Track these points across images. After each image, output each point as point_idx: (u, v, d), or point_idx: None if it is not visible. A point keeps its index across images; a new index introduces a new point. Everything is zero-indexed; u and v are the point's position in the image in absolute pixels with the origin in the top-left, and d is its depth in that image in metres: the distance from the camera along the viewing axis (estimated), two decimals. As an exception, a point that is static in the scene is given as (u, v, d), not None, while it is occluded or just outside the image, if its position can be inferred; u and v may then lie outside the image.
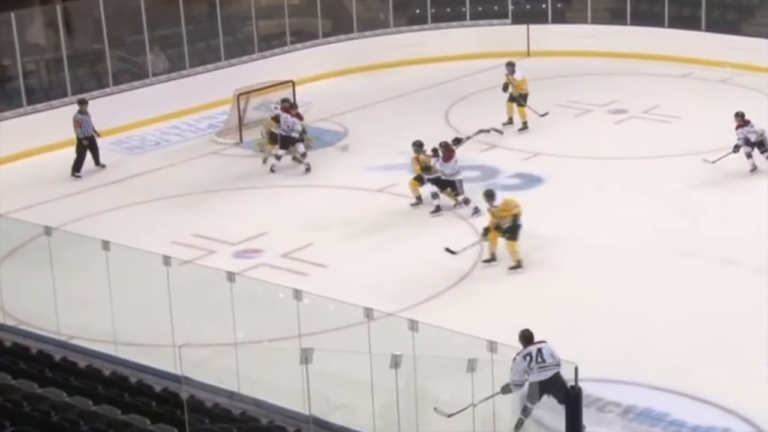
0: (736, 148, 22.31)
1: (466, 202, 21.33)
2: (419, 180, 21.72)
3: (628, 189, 22.22)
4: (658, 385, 15.09)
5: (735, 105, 23.48)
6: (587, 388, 12.02)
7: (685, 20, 31.36)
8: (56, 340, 15.66)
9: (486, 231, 19.33)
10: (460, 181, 21.58)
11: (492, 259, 19.27)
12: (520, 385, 13.65)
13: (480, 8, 32.96)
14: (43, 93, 26.44)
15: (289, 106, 24.24)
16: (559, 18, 33.13)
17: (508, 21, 32.89)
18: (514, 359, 13.61)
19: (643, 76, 30.04)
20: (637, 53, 31.13)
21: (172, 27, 28.65)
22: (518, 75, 26.03)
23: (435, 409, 13.30)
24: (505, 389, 13.43)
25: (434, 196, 21.57)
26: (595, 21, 32.55)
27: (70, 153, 24.82)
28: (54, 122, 25.45)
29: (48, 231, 16.33)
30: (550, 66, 31.04)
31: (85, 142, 24.39)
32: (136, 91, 27.80)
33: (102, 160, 24.70)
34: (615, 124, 26.39)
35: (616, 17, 32.66)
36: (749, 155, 22.31)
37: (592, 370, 13.47)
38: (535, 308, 17.23)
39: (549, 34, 32.50)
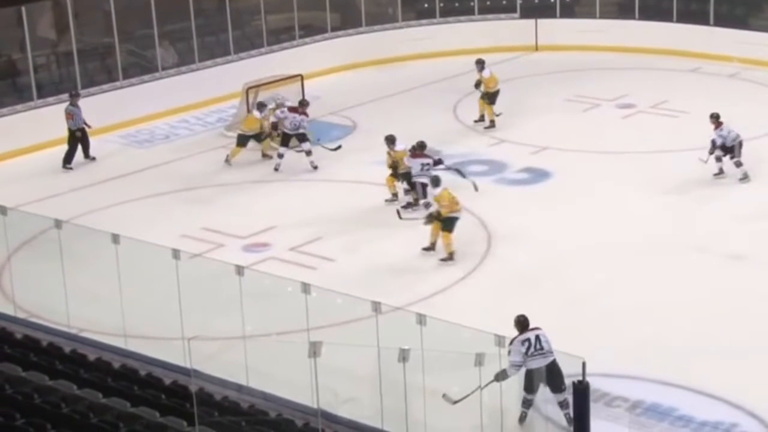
0: (713, 148, 22.14)
1: (426, 206, 20.57)
2: (395, 176, 21.68)
3: (636, 183, 22.22)
4: (666, 381, 15.12)
5: (743, 100, 23.55)
6: (595, 383, 12.07)
7: (693, 15, 31.35)
8: (66, 332, 15.76)
9: (430, 217, 19.43)
10: (423, 185, 20.89)
11: (431, 248, 19.38)
12: (519, 366, 13.75)
13: (488, 2, 32.97)
14: (53, 87, 26.49)
15: (297, 106, 24.22)
16: (568, 12, 33.12)
17: (517, 15, 32.89)
18: (512, 342, 13.68)
19: (652, 71, 30.04)
20: (645, 48, 31.12)
21: (181, 21, 28.69)
22: (486, 73, 25.93)
23: (443, 395, 13.39)
24: (501, 375, 13.46)
25: (406, 192, 21.57)
26: (604, 15, 32.55)
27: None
28: (63, 116, 25.49)
29: (58, 224, 16.40)
30: (558, 60, 31.07)
31: (78, 134, 24.57)
32: (145, 84, 27.84)
33: (111, 154, 24.79)
34: (623, 119, 26.39)
35: (624, 12, 32.66)
36: (719, 158, 22.15)
37: (600, 365, 13.50)
38: (542, 303, 17.25)
39: (557, 29, 32.49)
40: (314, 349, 11.81)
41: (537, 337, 13.87)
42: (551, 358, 13.78)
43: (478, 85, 26.04)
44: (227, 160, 24.19)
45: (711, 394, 14.84)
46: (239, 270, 14.61)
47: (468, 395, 13.02)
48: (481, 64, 26.04)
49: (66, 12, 26.95)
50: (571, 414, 13.01)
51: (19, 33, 26.04)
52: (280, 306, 15.34)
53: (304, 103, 24.29)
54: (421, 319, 12.97)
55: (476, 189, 20.55)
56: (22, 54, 26.28)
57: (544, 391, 14.01)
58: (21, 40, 26.06)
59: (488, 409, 13.19)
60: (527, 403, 14.07)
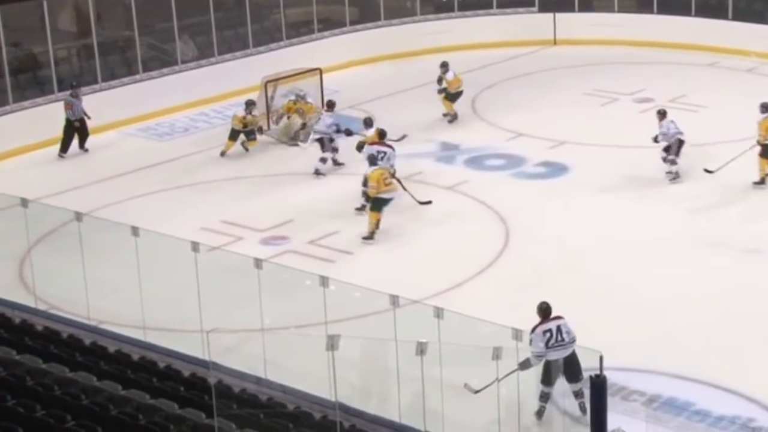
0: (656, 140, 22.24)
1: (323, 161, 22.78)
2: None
3: (653, 178, 22.21)
4: (683, 375, 15.15)
5: (761, 94, 23.40)
6: (612, 377, 12.08)
7: (711, 9, 31.30)
8: (86, 324, 15.83)
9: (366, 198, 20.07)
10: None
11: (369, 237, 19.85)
12: (541, 357, 13.78)
13: (507, -4, 33.02)
14: (74, 80, 26.57)
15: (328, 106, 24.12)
16: (586, 6, 33.10)
17: (535, 9, 32.86)
18: (533, 331, 13.77)
19: (670, 65, 30.00)
20: (663, 42, 31.09)
21: (200, 15, 28.76)
22: (449, 75, 25.92)
23: (465, 385, 13.41)
24: (525, 364, 13.50)
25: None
26: (622, 10, 32.51)
27: (101, 140, 25.35)
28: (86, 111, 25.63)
29: (79, 217, 16.46)
30: (576, 54, 31.04)
31: (76, 124, 24.84)
32: (165, 78, 27.93)
33: (131, 147, 24.96)
34: (641, 113, 26.33)
35: (642, 6, 32.62)
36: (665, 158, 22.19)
37: (617, 359, 13.51)
38: (560, 297, 17.20)
39: (575, 23, 32.47)
40: (332, 342, 11.84)
41: (558, 328, 13.91)
42: (571, 350, 13.82)
43: (440, 80, 26.04)
44: (222, 154, 24.43)
45: (727, 388, 14.86)
46: (258, 263, 14.66)
47: (489, 385, 13.04)
48: (445, 67, 26.01)
49: (87, 5, 27.04)
50: (586, 404, 13.13)
51: (41, 26, 26.15)
52: (299, 299, 15.40)
53: (331, 104, 24.17)
54: (439, 312, 13.01)
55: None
56: (44, 47, 26.38)
57: (561, 384, 14.05)
58: (42, 33, 26.16)
59: (505, 402, 13.23)
60: (545, 397, 14.07)
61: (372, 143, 21.60)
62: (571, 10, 32.81)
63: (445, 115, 26.25)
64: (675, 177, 21.99)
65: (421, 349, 12.29)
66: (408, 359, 12.54)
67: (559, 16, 32.63)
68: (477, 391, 13.24)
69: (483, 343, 12.60)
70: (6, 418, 11.65)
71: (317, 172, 23.10)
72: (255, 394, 13.24)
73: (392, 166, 21.20)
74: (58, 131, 24.98)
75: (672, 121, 22.19)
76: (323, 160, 23.17)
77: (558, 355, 13.86)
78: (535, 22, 32.54)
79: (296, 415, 12.77)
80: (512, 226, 20.26)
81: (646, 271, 18.45)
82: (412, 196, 21.00)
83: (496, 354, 12.48)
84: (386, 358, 13.32)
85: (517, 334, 12.75)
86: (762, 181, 21.61)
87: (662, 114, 22.30)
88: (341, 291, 14.65)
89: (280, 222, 20.69)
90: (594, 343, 12.31)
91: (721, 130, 24.26)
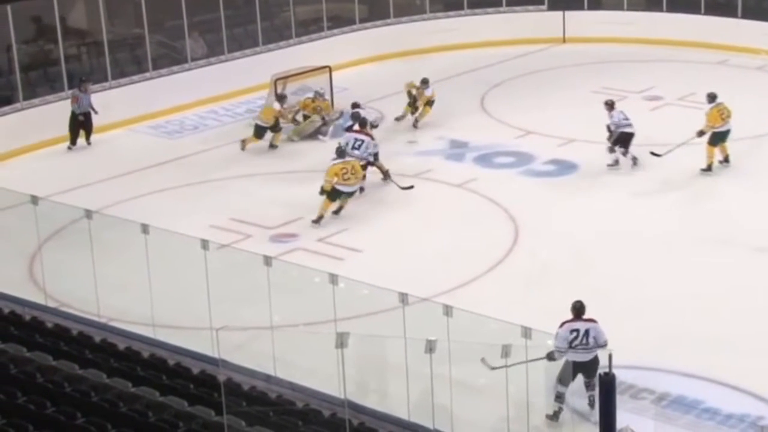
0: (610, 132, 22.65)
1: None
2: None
3: (662, 176, 22.22)
4: (692, 373, 15.15)
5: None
6: (621, 375, 12.07)
7: (721, 7, 31.26)
8: (96, 322, 15.88)
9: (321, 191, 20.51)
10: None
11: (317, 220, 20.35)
12: (562, 353, 13.81)
13: (515, -6, 33.03)
14: (84, 77, 26.66)
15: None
16: (595, 4, 33.08)
17: (544, 7, 32.85)
18: (561, 326, 13.88)
19: (679, 63, 29.98)
20: (672, 40, 31.06)
21: (210, 12, 28.80)
22: (428, 92, 25.76)
23: (482, 359, 13.40)
24: (551, 356, 13.53)
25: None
26: (631, 7, 32.50)
27: (110, 137, 25.56)
28: (95, 106, 25.68)
29: (88, 214, 16.53)
30: (585, 52, 31.04)
31: (81, 118, 25.01)
32: (174, 75, 27.98)
33: (141, 144, 25.08)
34: (650, 111, 26.35)
35: (652, 4, 32.61)
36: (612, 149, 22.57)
37: (626, 357, 13.49)
38: (568, 295, 17.24)
39: (585, 21, 32.45)
40: (341, 340, 11.86)
41: (587, 332, 13.92)
42: (593, 356, 13.85)
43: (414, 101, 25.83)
44: (243, 147, 24.49)
45: (736, 386, 14.85)
46: (267, 260, 14.69)
47: (507, 366, 13.00)
48: (426, 83, 25.83)
49: (97, 3, 27.09)
50: (596, 396, 13.10)
51: (51, 23, 26.19)
52: (308, 296, 15.42)
53: (373, 125, 23.38)
54: (448, 310, 13.02)
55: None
56: (54, 45, 26.44)
57: (572, 385, 14.05)
58: (53, 30, 26.21)
59: (514, 400, 13.24)
60: (561, 398, 13.97)
61: (350, 130, 21.87)
62: (581, 7, 32.78)
63: (405, 116, 26.07)
64: (613, 165, 22.51)
65: (430, 347, 12.30)
66: (417, 357, 12.56)
67: (569, 14, 32.62)
68: (493, 368, 13.18)
69: (492, 341, 12.62)
70: (16, 415, 11.70)
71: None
72: (264, 392, 13.27)
73: (370, 155, 21.56)
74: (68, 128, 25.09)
75: (621, 112, 22.59)
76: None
77: (579, 357, 13.87)
78: (544, 20, 32.54)
79: (305, 413, 12.80)
80: (521, 224, 20.27)
81: (655, 268, 18.45)
82: (396, 183, 21.50)
83: (505, 351, 12.49)
84: (395, 356, 13.33)
85: (526, 332, 12.74)
86: (709, 168, 22.19)
87: (610, 105, 22.74)
88: (350, 289, 14.68)
89: (289, 219, 20.72)
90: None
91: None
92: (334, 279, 14.12)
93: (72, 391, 12.47)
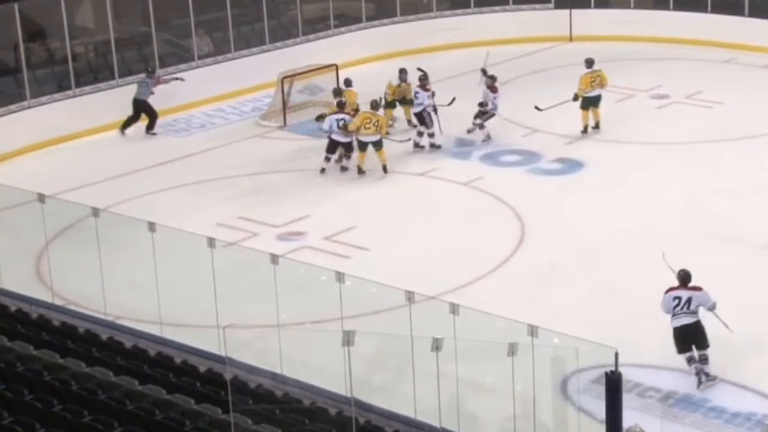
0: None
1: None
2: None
3: (669, 174, 22.21)
4: (698, 371, 15.15)
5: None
6: (627, 374, 12.08)
7: (728, 5, 31.18)
8: (103, 320, 15.91)
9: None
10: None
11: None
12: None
13: (523, -8, 32.99)
14: (91, 75, 26.70)
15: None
16: (602, 3, 33.01)
17: (551, 5, 32.80)
18: (666, 292, 15.09)
19: (686, 62, 29.92)
20: (679, 38, 30.98)
21: (217, 11, 28.80)
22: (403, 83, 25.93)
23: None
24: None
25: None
26: (638, 6, 32.45)
27: (118, 135, 25.75)
28: (101, 105, 25.72)
29: (95, 212, 16.53)
30: (592, 51, 30.64)
31: (137, 104, 25.54)
32: (181, 73, 27.96)
33: (148, 142, 25.31)
34: (657, 109, 26.34)
35: (658, 2, 32.54)
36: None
37: (633, 355, 13.55)
38: (576, 292, 17.31)
39: (591, 19, 32.39)
40: (348, 338, 11.88)
41: (689, 299, 14.94)
42: (695, 319, 14.87)
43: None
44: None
45: (744, 385, 14.88)
46: (274, 259, 14.70)
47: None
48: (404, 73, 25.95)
49: (104, 1, 27.11)
50: (707, 370, 14.46)
51: (58, 22, 26.24)
52: (314, 295, 15.44)
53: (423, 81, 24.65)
54: (454, 308, 13.01)
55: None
56: (61, 43, 26.48)
57: (576, 381, 14.04)
58: (60, 29, 26.25)
59: (521, 398, 13.24)
60: (691, 361, 14.91)
61: (333, 113, 22.90)
62: (587, 6, 32.72)
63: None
64: (486, 139, 24.11)
65: (436, 345, 12.31)
66: (423, 355, 12.55)
67: (575, 12, 32.56)
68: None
69: (498, 339, 12.62)
70: (23, 413, 11.73)
71: (417, 145, 24.02)
72: (271, 390, 13.30)
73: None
74: (75, 127, 25.09)
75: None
76: (420, 134, 24.01)
77: (683, 321, 14.94)
78: (551, 19, 32.49)
79: (312, 411, 12.82)
80: (528, 222, 20.27)
81: (661, 267, 18.39)
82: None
83: (512, 350, 12.50)
84: (402, 354, 13.34)
85: (532, 330, 12.74)
86: (585, 130, 24.41)
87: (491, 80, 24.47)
88: (357, 287, 14.69)
89: (296, 218, 20.73)
90: (609, 338, 12.30)
91: (737, 127, 24.22)
92: (340, 277, 14.13)
93: (79, 389, 12.50)
